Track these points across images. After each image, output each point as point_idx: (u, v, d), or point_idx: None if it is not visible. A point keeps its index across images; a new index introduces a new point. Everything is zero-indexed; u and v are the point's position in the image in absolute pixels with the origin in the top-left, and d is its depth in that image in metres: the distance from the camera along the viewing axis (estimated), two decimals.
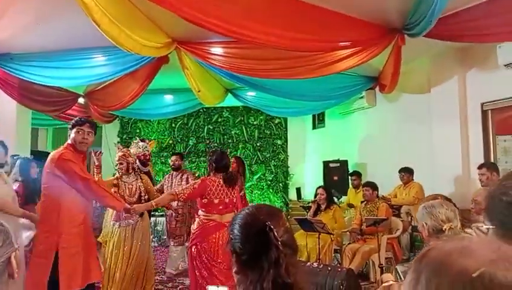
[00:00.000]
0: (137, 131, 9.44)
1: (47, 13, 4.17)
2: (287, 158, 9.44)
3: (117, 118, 8.96)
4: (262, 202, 8.38)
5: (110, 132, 9.27)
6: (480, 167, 4.65)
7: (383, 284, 1.80)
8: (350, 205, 6.67)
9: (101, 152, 4.21)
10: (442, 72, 5.63)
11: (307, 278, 1.20)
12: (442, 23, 3.93)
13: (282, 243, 1.15)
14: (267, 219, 1.18)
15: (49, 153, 4.41)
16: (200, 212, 3.86)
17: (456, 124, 5.40)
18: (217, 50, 4.71)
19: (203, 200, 3.79)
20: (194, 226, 3.98)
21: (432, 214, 2.06)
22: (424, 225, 2.08)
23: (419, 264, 0.65)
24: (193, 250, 3.71)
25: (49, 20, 4.30)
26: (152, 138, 9.19)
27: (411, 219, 5.39)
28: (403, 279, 1.91)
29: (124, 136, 9.39)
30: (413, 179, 5.89)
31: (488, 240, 0.69)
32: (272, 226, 1.15)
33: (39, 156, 7.57)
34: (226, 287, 1.31)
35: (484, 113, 5.25)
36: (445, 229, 2.00)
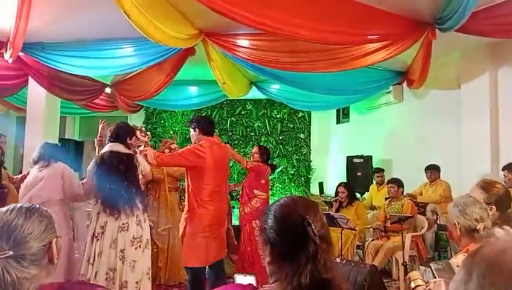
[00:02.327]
0: (162, 121, 9.54)
1: (77, 3, 4.23)
2: (310, 152, 9.39)
3: (142, 108, 9.06)
4: (283, 196, 8.37)
5: (135, 122, 9.38)
6: (503, 169, 4.61)
7: (432, 280, 1.76)
8: (372, 207, 6.58)
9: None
10: (473, 68, 5.48)
11: (342, 275, 1.18)
12: (475, 18, 3.82)
13: (320, 237, 1.13)
14: (304, 213, 1.16)
15: (76, 141, 4.51)
16: (256, 191, 4.89)
17: (486, 122, 5.25)
18: (244, 42, 4.70)
19: (262, 181, 4.93)
20: (254, 205, 4.84)
21: (465, 213, 2.00)
22: (456, 224, 2.02)
23: (471, 261, 0.64)
24: (254, 225, 4.38)
25: (79, 10, 4.36)
26: (176, 129, 9.29)
27: (437, 217, 5.29)
28: (437, 277, 1.87)
29: (149, 126, 9.51)
30: (440, 177, 5.78)
31: None
32: (310, 221, 1.14)
33: (66, 143, 7.79)
34: (253, 276, 1.30)
35: None
36: (479, 228, 1.95)
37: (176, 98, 7.71)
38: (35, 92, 6.06)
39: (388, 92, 7.01)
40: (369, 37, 4.15)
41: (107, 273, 3.28)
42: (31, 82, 5.94)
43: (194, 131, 4.04)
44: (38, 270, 1.14)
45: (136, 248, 3.40)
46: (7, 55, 4.84)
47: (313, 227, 1.13)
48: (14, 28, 4.26)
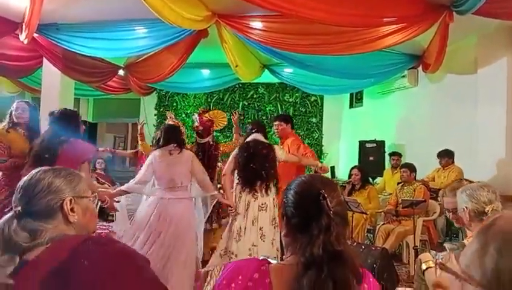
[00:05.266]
0: (174, 104, 9.57)
1: None
2: (322, 137, 9.36)
3: (155, 91, 9.09)
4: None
5: (148, 104, 9.46)
6: None
7: (441, 254, 1.78)
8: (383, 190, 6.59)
9: (144, 122, 4.94)
10: (490, 53, 5.36)
11: (355, 252, 1.20)
12: (493, 1, 3.73)
13: (334, 212, 1.15)
14: (321, 188, 1.18)
15: (90, 123, 4.64)
16: None
17: (503, 107, 5.15)
18: (257, 24, 4.67)
19: None
20: None
21: (472, 197, 2.00)
22: (465, 209, 2.02)
23: (484, 234, 0.62)
24: None
25: None
26: (188, 111, 9.30)
27: None
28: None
29: (161, 109, 9.56)
30: (453, 162, 5.73)
31: None
32: (326, 195, 1.16)
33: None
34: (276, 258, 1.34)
35: None
36: (488, 211, 1.94)
37: (188, 81, 7.71)
38: (50, 73, 6.11)
39: (403, 76, 6.93)
40: (385, 19, 4.09)
41: (250, 249, 3.76)
42: (46, 63, 5.99)
43: (287, 125, 4.83)
44: (53, 224, 1.24)
45: (275, 227, 3.90)
46: (22, 36, 4.88)
47: (328, 201, 1.15)
48: (29, 8, 4.29)
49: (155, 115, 9.60)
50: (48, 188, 1.26)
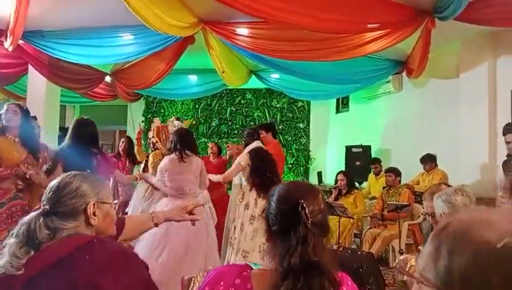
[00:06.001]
0: (162, 111, 9.56)
1: None
2: (309, 142, 9.41)
3: (142, 97, 9.07)
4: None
5: (135, 111, 9.42)
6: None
7: (401, 257, 1.81)
8: (371, 198, 6.62)
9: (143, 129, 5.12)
10: (472, 58, 5.47)
11: (334, 262, 1.22)
12: (474, 7, 3.83)
13: (313, 223, 1.16)
14: (301, 197, 1.19)
15: None
16: None
17: (484, 111, 5.27)
18: (243, 31, 4.71)
19: None
20: None
21: (448, 202, 2.03)
22: (442, 214, 2.05)
23: (438, 236, 0.64)
24: None
25: None
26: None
27: None
28: None
29: (149, 115, 9.53)
30: (436, 166, 5.81)
31: (507, 211, 0.69)
32: (305, 205, 1.17)
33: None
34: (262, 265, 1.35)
35: None
36: None
37: (175, 87, 7.72)
38: (35, 80, 6.05)
39: (387, 82, 7.03)
40: (369, 25, 4.16)
41: (260, 245, 3.74)
42: (31, 70, 5.94)
43: (267, 133, 5.10)
44: (75, 224, 1.33)
45: None
46: (7, 43, 4.84)
47: (307, 211, 1.16)
48: (14, 15, 4.26)
49: (143, 121, 9.56)
50: (75, 191, 1.36)
